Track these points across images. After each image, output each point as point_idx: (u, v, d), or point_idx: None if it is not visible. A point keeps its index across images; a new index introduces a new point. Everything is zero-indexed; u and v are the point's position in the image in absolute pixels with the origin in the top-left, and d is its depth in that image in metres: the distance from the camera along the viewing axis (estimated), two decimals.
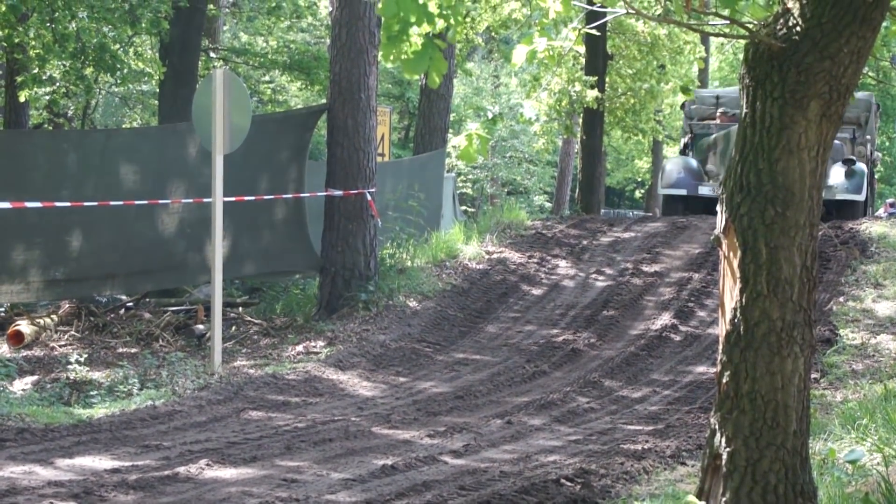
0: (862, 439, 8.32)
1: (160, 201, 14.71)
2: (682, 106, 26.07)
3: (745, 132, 5.94)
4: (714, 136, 23.69)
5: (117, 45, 18.80)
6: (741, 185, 5.92)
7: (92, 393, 12.16)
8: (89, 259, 14.36)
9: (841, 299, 14.83)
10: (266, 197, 15.67)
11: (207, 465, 8.66)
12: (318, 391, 12.17)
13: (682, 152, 24.77)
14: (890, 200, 41.41)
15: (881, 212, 38.33)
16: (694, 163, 22.97)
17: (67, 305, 15.95)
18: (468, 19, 25.19)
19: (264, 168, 15.86)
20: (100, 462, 8.82)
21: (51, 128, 25.55)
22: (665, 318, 15.09)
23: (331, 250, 15.72)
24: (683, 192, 22.17)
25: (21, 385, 12.57)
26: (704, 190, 21.98)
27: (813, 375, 11.11)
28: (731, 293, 5.96)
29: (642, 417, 11.11)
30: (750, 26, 5.97)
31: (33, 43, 18.80)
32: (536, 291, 16.54)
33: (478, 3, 25.41)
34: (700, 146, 24.04)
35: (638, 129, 28.94)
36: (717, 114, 24.45)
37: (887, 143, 47.98)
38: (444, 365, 13.57)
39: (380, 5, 4.84)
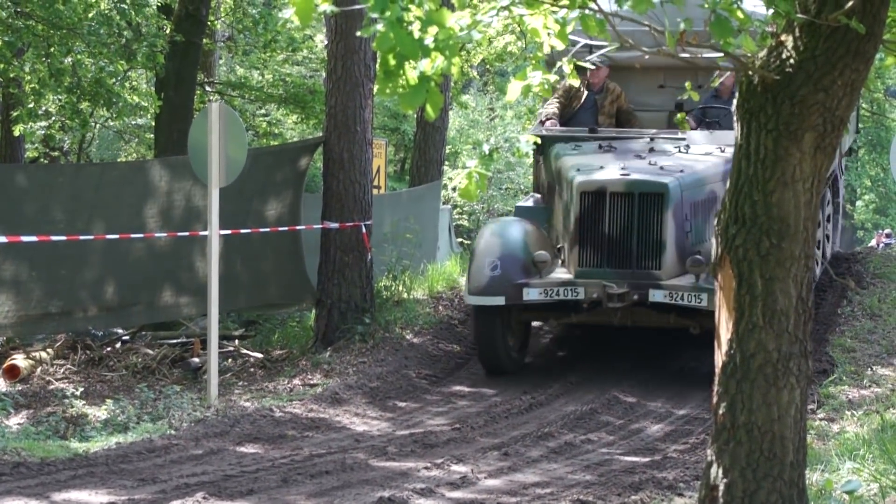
0: (859, 470, 8.32)
1: (156, 234, 14.72)
2: None
3: (740, 164, 5.97)
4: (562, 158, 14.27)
5: (113, 80, 18.83)
6: (736, 217, 5.94)
7: (88, 427, 12.14)
8: (84, 292, 14.35)
9: (837, 330, 14.83)
10: (262, 230, 15.68)
11: (204, 498, 8.64)
12: (315, 424, 12.16)
13: (539, 151, 14.82)
14: (887, 231, 41.46)
15: (873, 242, 38.34)
16: (520, 238, 13.85)
17: (63, 339, 15.94)
18: (464, 52, 25.26)
19: (260, 201, 15.88)
20: (96, 496, 8.81)
21: (46, 162, 25.57)
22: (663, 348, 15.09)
23: (327, 283, 15.72)
24: (500, 300, 13.49)
25: (17, 419, 12.56)
26: (533, 293, 13.44)
27: (809, 406, 11.11)
28: (726, 324, 5.98)
29: (639, 448, 11.10)
30: (744, 59, 6.00)
31: (29, 77, 18.84)
32: (533, 323, 16.54)
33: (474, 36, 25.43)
34: (549, 156, 14.77)
35: None
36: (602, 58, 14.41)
37: (882, 174, 48.06)
38: (440, 397, 13.56)
39: (375, 40, 4.86)
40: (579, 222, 13.35)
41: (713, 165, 14.06)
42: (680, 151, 14.32)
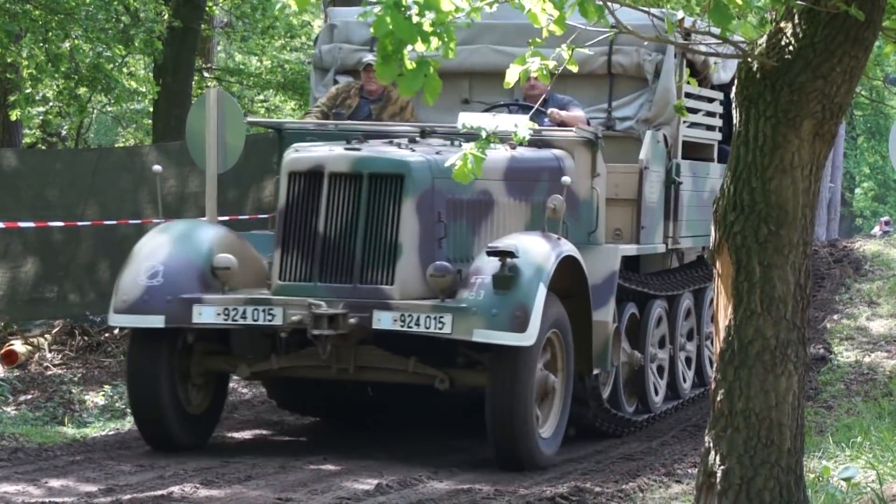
0: (856, 457, 8.34)
1: (153, 220, 14.70)
2: (315, 41, 13.21)
3: (739, 151, 5.97)
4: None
5: (111, 65, 18.80)
6: (734, 204, 5.94)
7: (86, 412, 12.14)
8: (79, 277, 14.34)
9: (835, 317, 14.85)
10: (260, 216, 15.66)
11: (202, 484, 8.64)
12: None
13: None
14: (885, 219, 41.47)
15: (875, 230, 38.35)
16: (199, 240, 10.02)
17: (61, 324, 15.92)
18: None
19: (258, 187, 15.86)
20: (94, 482, 8.80)
21: (44, 147, 25.56)
22: None
23: None
24: (159, 321, 9.56)
25: (15, 405, 12.56)
26: (207, 313, 9.51)
27: (807, 393, 11.12)
28: (724, 311, 5.98)
29: (637, 435, 11.11)
30: (743, 46, 6.00)
31: (26, 62, 18.82)
32: None
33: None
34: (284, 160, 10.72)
35: None
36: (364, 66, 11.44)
37: (881, 162, 48.03)
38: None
39: (373, 25, 4.85)
40: (285, 217, 9.63)
41: (493, 161, 9.49)
42: (453, 144, 10.09)
